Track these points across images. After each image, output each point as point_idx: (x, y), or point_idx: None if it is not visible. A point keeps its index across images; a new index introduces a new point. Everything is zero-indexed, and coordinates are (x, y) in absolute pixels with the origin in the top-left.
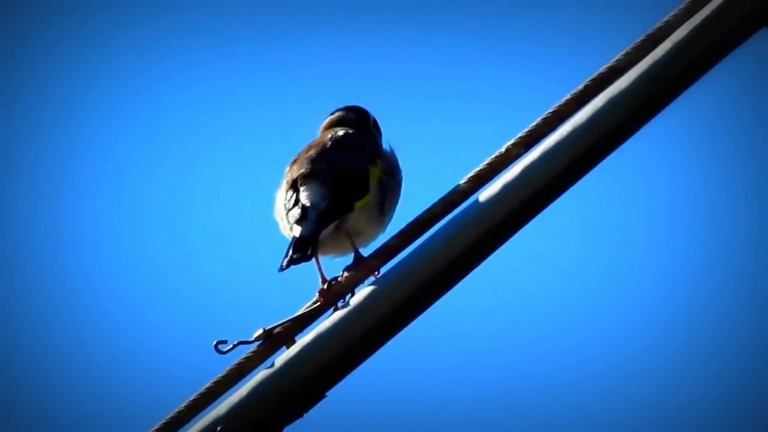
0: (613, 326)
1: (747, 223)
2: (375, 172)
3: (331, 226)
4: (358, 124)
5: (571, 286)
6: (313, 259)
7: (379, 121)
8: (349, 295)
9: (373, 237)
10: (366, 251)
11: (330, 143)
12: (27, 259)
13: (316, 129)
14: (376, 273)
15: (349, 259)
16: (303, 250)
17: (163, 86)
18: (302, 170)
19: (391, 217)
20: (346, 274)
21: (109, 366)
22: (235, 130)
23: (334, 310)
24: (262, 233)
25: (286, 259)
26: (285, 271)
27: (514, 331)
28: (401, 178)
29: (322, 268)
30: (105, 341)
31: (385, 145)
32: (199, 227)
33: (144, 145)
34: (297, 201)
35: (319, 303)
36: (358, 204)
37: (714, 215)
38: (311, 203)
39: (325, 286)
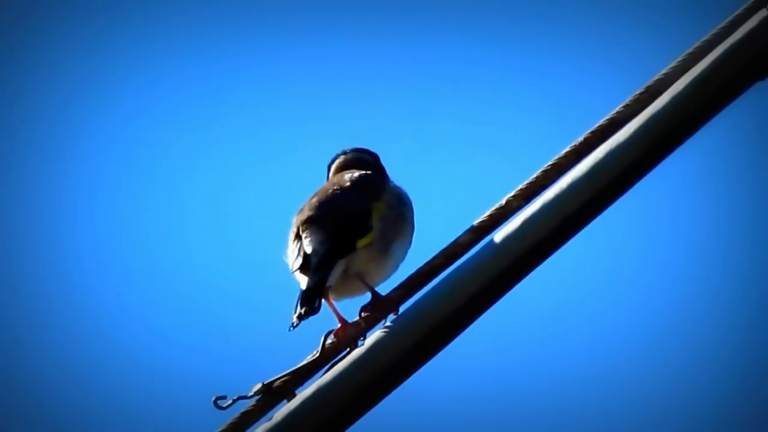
0: (612, 326)
1: (747, 223)
2: (378, 208)
3: (339, 270)
4: (374, 165)
5: (571, 286)
6: (327, 305)
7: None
8: (362, 339)
9: (384, 273)
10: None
11: (333, 187)
12: (27, 259)
13: (317, 130)
14: (395, 312)
15: (366, 298)
16: (310, 303)
17: (164, 86)
18: (304, 217)
19: (401, 249)
20: (363, 314)
21: (108, 367)
22: (236, 130)
23: (350, 351)
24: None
25: (296, 316)
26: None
27: (514, 331)
28: (409, 209)
29: (338, 310)
30: (105, 342)
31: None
32: (201, 229)
33: (144, 145)
34: (300, 249)
35: (334, 343)
36: (361, 243)
37: (713, 215)
38: (313, 250)
39: (343, 327)
